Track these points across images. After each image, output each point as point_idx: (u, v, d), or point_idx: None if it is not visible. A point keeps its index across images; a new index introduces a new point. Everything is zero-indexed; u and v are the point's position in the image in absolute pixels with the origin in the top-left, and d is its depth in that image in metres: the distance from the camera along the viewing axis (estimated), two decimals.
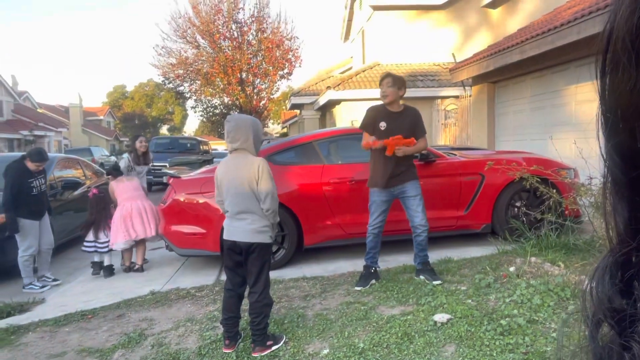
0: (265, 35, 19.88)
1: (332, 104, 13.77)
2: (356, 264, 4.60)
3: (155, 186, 15.54)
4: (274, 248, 4.69)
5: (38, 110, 39.04)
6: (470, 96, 10.75)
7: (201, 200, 4.75)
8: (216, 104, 23.02)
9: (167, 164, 12.48)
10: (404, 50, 13.97)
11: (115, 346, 3.17)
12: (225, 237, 2.93)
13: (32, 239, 4.87)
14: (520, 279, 3.54)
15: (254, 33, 20.09)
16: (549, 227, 4.42)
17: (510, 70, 8.19)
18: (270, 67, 20.14)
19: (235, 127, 2.87)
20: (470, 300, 3.30)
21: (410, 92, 12.34)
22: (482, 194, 4.99)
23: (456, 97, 11.97)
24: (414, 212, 3.81)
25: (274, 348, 2.88)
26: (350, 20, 18.69)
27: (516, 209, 5.09)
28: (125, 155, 5.58)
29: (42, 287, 4.92)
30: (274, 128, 47.13)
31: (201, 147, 17.62)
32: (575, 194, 4.32)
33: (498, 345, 2.63)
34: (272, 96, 22.02)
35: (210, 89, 20.93)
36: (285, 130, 32.73)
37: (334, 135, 5.28)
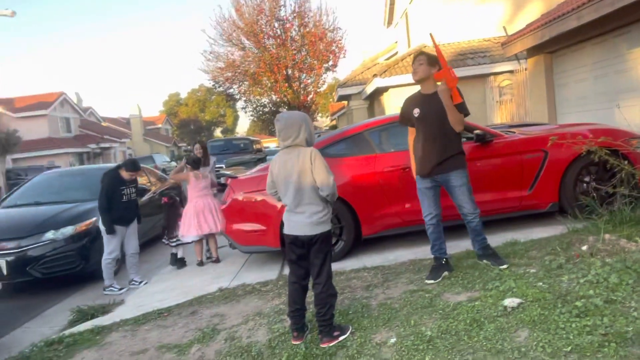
0: (307, 29, 19.95)
1: (379, 91, 13.60)
2: (416, 252, 4.55)
3: (214, 187, 16.04)
4: (333, 240, 4.73)
5: (102, 124, 41.54)
6: (525, 69, 10.24)
7: (259, 198, 4.87)
8: (265, 103, 23.44)
9: (223, 165, 12.87)
10: (450, 29, 13.52)
11: (191, 341, 3.34)
12: (285, 231, 3.00)
13: (117, 243, 5.28)
14: (594, 258, 3.35)
15: (297, 28, 20.21)
16: (622, 201, 4.15)
17: (567, 38, 7.71)
18: (315, 61, 20.20)
19: (285, 125, 2.90)
20: (541, 283, 3.17)
21: (460, 72, 12.01)
22: (546, 171, 4.76)
23: (510, 72, 11.44)
24: (461, 202, 3.60)
25: (341, 338, 2.91)
26: (392, 4, 18.32)
27: (585, 185, 4.81)
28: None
29: (121, 289, 5.26)
30: (323, 121, 47.27)
31: (254, 146, 18.04)
32: None
33: (574, 327, 2.51)
34: (318, 90, 22.09)
35: (258, 89, 21.32)
36: (334, 122, 32.75)
37: (384, 124, 5.22)
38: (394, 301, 3.39)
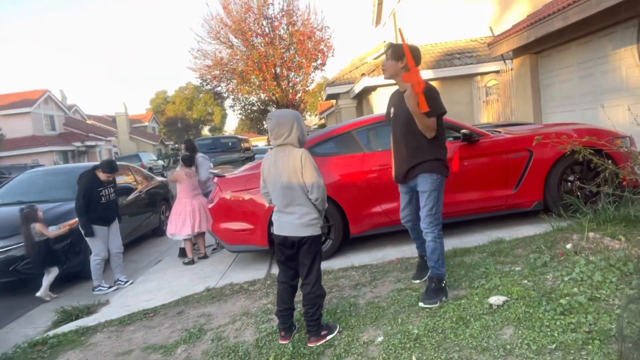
0: (296, 28, 19.91)
1: (368, 91, 13.63)
2: (404, 251, 4.57)
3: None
4: (322, 239, 4.73)
5: (87, 121, 40.98)
6: (511, 70, 10.35)
7: (247, 197, 4.85)
8: (253, 101, 23.35)
9: (211, 164, 12.78)
10: (438, 29, 13.61)
11: (177, 342, 3.31)
12: (275, 232, 2.98)
13: (102, 243, 5.24)
14: (578, 256, 3.40)
15: (285, 27, 20.16)
16: (606, 200, 4.21)
17: (552, 39, 7.81)
18: (304, 60, 20.17)
19: (277, 123, 2.87)
20: (526, 281, 3.20)
21: (447, 71, 12.14)
22: (531, 170, 4.81)
23: (496, 72, 11.55)
24: (422, 211, 3.18)
25: (328, 338, 2.91)
26: (380, 3, 18.38)
27: (569, 184, 4.88)
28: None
29: (110, 287, 5.22)
30: (311, 120, 47.25)
31: (242, 144, 17.95)
32: (633, 163, 4.08)
33: (559, 325, 2.54)
34: (307, 88, 22.08)
35: (246, 87, 21.23)
36: (322, 121, 32.76)
37: (372, 123, 5.22)
38: (381, 300, 3.40)
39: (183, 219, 5.72)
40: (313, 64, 20.67)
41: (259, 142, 37.68)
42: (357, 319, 3.13)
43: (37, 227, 5.16)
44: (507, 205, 4.91)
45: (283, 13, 20.05)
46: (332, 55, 22.08)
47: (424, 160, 3.16)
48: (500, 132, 5.32)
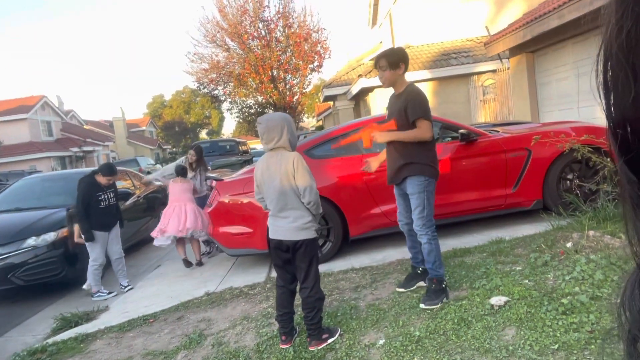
0: (292, 30, 19.89)
1: (365, 92, 13.63)
2: (404, 252, 4.53)
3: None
4: (321, 242, 4.71)
5: (85, 127, 40.91)
6: (508, 69, 10.35)
7: (245, 200, 4.83)
8: (251, 104, 23.32)
9: (209, 167, 12.76)
10: (434, 29, 13.62)
11: (177, 348, 3.29)
12: (270, 236, 2.97)
13: (100, 250, 5.17)
14: (579, 255, 3.39)
15: (281, 29, 20.14)
16: (605, 198, 4.21)
17: (549, 38, 7.81)
18: (300, 62, 20.15)
19: (266, 128, 2.88)
20: (527, 281, 3.19)
21: (444, 71, 12.14)
22: (530, 169, 4.81)
23: (493, 71, 11.55)
24: (413, 213, 3.21)
25: (329, 341, 2.89)
26: (376, 4, 18.39)
27: (569, 182, 4.87)
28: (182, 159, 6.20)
29: (109, 293, 5.19)
30: (309, 122, 47.24)
31: (240, 147, 17.93)
32: None
33: (561, 325, 2.53)
34: (304, 90, 22.04)
35: (243, 90, 21.20)
36: (320, 123, 32.75)
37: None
38: (382, 302, 3.39)
39: (168, 219, 5.52)
40: (310, 65, 20.65)
41: (256, 144, 37.66)
42: (358, 321, 3.12)
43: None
44: (506, 205, 4.90)
45: (279, 15, 20.04)
46: (329, 57, 22.07)
47: (411, 162, 3.20)
48: (498, 131, 5.31)
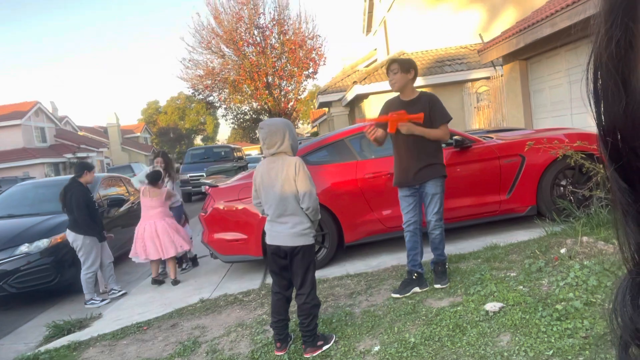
0: (287, 37, 19.97)
1: (359, 98, 13.68)
2: (399, 258, 4.55)
3: (195, 196, 15.97)
4: (315, 248, 4.71)
5: (79, 133, 40.75)
6: (501, 76, 10.44)
7: (240, 207, 4.82)
8: (246, 110, 23.34)
9: (204, 174, 12.75)
10: (428, 37, 13.71)
11: (171, 355, 3.26)
12: (268, 241, 2.96)
13: (96, 255, 5.13)
14: (573, 261, 3.41)
15: (276, 36, 20.21)
16: (599, 204, 4.24)
17: (542, 45, 7.89)
18: (295, 68, 20.21)
19: (269, 132, 2.87)
20: (521, 287, 3.20)
21: (438, 78, 12.22)
22: (523, 175, 4.83)
23: (487, 78, 11.64)
24: (429, 210, 3.48)
25: (324, 348, 2.88)
26: (370, 12, 18.51)
27: (562, 188, 4.90)
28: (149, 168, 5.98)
29: (102, 300, 5.14)
30: (304, 128, 47.33)
31: (235, 153, 17.91)
32: None
33: (556, 331, 2.54)
34: (299, 97, 22.10)
35: (238, 96, 21.21)
36: (315, 129, 32.82)
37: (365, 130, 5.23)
38: (377, 308, 3.38)
39: (143, 242, 5.22)
40: (305, 72, 20.72)
41: (251, 150, 37.63)
42: (353, 328, 3.11)
43: None
44: (500, 211, 4.92)
45: (274, 22, 20.12)
46: (324, 64, 22.18)
47: (433, 163, 3.43)
48: (492, 137, 5.34)
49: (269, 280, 4.51)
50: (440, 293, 3.42)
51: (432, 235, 3.56)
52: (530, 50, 8.40)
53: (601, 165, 4.15)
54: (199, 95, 22.77)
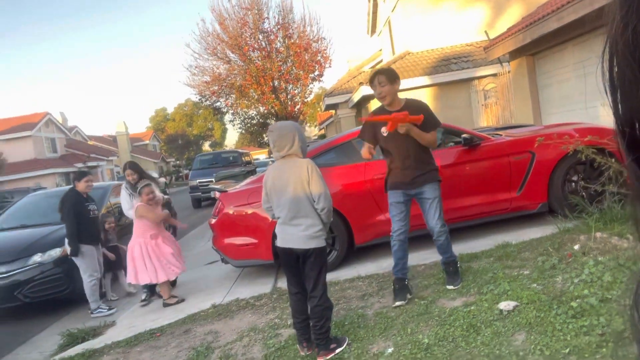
0: (292, 40, 20.00)
1: (366, 99, 13.66)
2: (411, 258, 4.51)
3: (204, 201, 16.03)
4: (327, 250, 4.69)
5: (89, 142, 41.17)
6: (508, 72, 10.36)
7: (250, 211, 4.83)
8: (253, 115, 23.40)
9: (213, 179, 12.79)
10: (433, 35, 13.66)
11: None
12: (279, 244, 2.95)
13: (94, 263, 5.13)
14: (587, 257, 3.36)
15: (281, 40, 20.26)
16: (611, 199, 4.18)
17: (548, 40, 7.82)
18: (301, 72, 20.23)
19: (279, 136, 2.88)
20: (535, 285, 3.16)
21: (445, 77, 12.17)
22: (534, 172, 4.78)
23: (494, 75, 11.56)
24: (430, 216, 3.47)
25: (337, 351, 2.87)
26: (375, 12, 18.50)
27: (574, 184, 4.84)
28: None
29: (110, 309, 5.16)
30: (311, 131, 47.37)
31: (243, 158, 17.98)
32: None
33: (571, 329, 2.50)
34: (305, 100, 22.11)
35: (245, 101, 21.29)
36: (322, 131, 32.82)
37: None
38: (389, 310, 3.36)
39: (134, 267, 4.75)
40: (310, 75, 20.73)
41: (259, 155, 37.74)
42: (366, 330, 3.09)
43: None
44: (511, 208, 4.87)
45: (279, 26, 20.16)
46: (330, 66, 22.13)
47: (430, 169, 3.47)
48: (501, 135, 5.30)
49: (280, 284, 4.51)
50: (453, 293, 3.39)
51: (438, 241, 3.53)
52: (537, 46, 8.33)
53: (613, 160, 4.09)
54: (206, 101, 22.88)
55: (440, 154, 4.89)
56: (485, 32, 12.71)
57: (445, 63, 12.58)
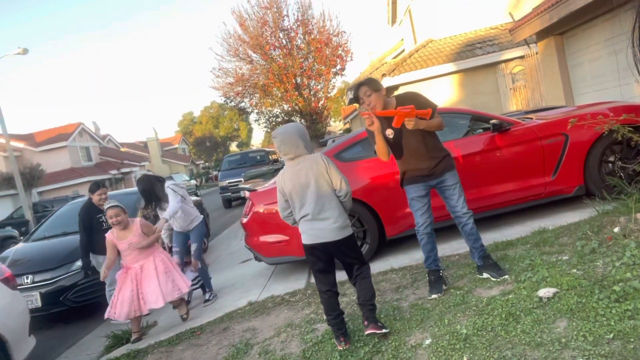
0: (312, 36, 19.99)
1: (390, 90, 13.53)
2: (443, 249, 4.48)
3: (235, 201, 16.26)
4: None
5: (121, 149, 42.35)
6: (536, 54, 10.07)
7: None
8: (277, 113, 23.52)
9: (242, 179, 12.97)
10: (455, 21, 13.41)
11: (226, 358, 3.34)
12: (309, 241, 2.96)
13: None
14: (628, 239, 3.25)
15: (302, 36, 20.27)
16: None
17: (576, 18, 7.55)
18: (323, 67, 20.20)
19: (281, 141, 2.94)
20: (575, 270, 3.08)
21: (470, 62, 11.94)
22: (568, 155, 4.65)
23: (521, 57, 11.26)
24: (455, 202, 3.42)
25: (384, 331, 2.88)
26: (394, 2, 18.28)
27: (611, 165, 4.68)
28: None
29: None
30: (336, 125, 47.27)
31: (270, 157, 18.13)
32: None
33: (615, 313, 2.43)
34: (329, 95, 22.06)
35: (269, 100, 21.42)
36: (347, 126, 32.71)
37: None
38: (425, 301, 3.35)
39: (121, 301, 4.25)
40: (332, 70, 20.66)
41: None
42: (402, 322, 3.08)
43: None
44: (546, 193, 4.75)
45: (298, 23, 20.18)
46: (351, 59, 22.03)
47: (446, 155, 3.44)
48: (531, 118, 5.17)
49: (314, 279, 4.54)
50: (490, 282, 3.35)
51: (467, 227, 3.44)
52: (564, 24, 8.06)
53: None
54: (230, 102, 23.14)
55: (469, 142, 4.82)
56: (510, 13, 12.37)
57: (469, 48, 12.33)
